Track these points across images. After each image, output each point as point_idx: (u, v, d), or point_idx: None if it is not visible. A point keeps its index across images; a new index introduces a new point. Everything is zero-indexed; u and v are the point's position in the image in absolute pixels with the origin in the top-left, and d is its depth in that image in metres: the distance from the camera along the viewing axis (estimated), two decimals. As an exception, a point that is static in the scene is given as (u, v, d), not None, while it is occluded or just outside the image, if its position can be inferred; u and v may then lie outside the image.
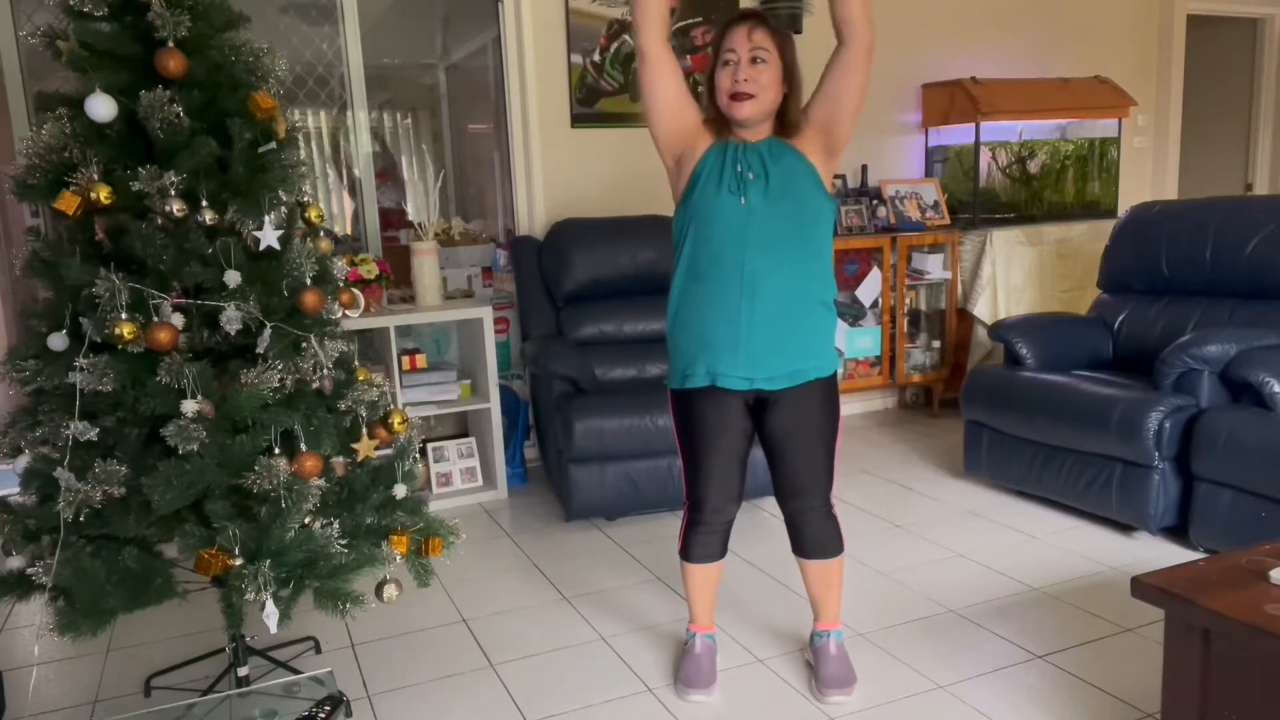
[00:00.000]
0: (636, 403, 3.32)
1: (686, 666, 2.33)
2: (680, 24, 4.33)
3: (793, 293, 2.05)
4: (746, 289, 2.02)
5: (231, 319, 1.87)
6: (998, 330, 3.74)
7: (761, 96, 1.98)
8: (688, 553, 2.30)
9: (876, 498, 3.66)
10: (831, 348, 2.15)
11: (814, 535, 2.24)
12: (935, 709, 2.19)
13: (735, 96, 1.98)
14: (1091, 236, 4.85)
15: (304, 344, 1.95)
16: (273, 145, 2.00)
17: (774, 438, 2.17)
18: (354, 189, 4.13)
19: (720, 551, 2.30)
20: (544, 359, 3.54)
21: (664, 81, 2.02)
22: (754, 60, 1.97)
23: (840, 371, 4.59)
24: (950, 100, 4.79)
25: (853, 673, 2.27)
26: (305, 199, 2.12)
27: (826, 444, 2.17)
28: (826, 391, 2.14)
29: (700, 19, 4.36)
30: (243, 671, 2.22)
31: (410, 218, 3.89)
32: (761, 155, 2.04)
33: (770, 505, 3.59)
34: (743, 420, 2.16)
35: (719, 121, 2.08)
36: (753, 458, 2.29)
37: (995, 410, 3.52)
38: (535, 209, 4.21)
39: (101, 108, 1.81)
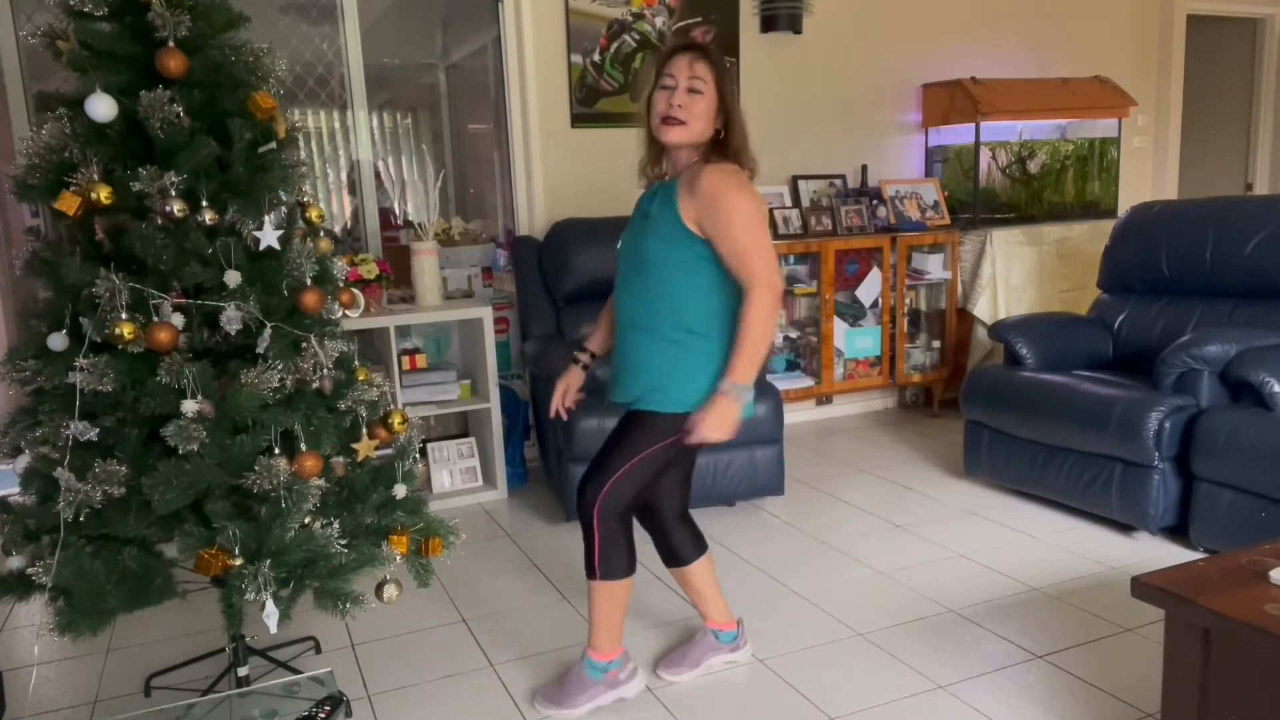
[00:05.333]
0: (636, 403, 3.32)
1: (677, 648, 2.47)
2: (680, 23, 4.33)
3: (635, 326, 2.12)
4: (620, 320, 2.18)
5: (231, 319, 1.87)
6: (998, 330, 3.74)
7: (692, 125, 2.01)
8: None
9: (876, 498, 3.66)
10: (677, 384, 2.07)
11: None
12: (935, 709, 2.19)
13: (666, 120, 2.01)
14: (1091, 236, 4.85)
15: (304, 344, 1.95)
16: (273, 145, 2.00)
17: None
18: (353, 189, 4.14)
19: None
20: (544, 359, 3.54)
21: None
22: (690, 90, 2.00)
23: (841, 374, 4.64)
24: (950, 100, 4.79)
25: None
26: (305, 199, 2.12)
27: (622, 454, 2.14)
28: (654, 424, 2.10)
29: (700, 19, 4.36)
30: (243, 671, 2.22)
31: (410, 218, 3.89)
32: (658, 195, 2.09)
33: (771, 505, 3.59)
34: None
35: (655, 150, 2.12)
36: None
37: (995, 410, 3.52)
38: (535, 209, 4.21)
39: (101, 108, 1.81)
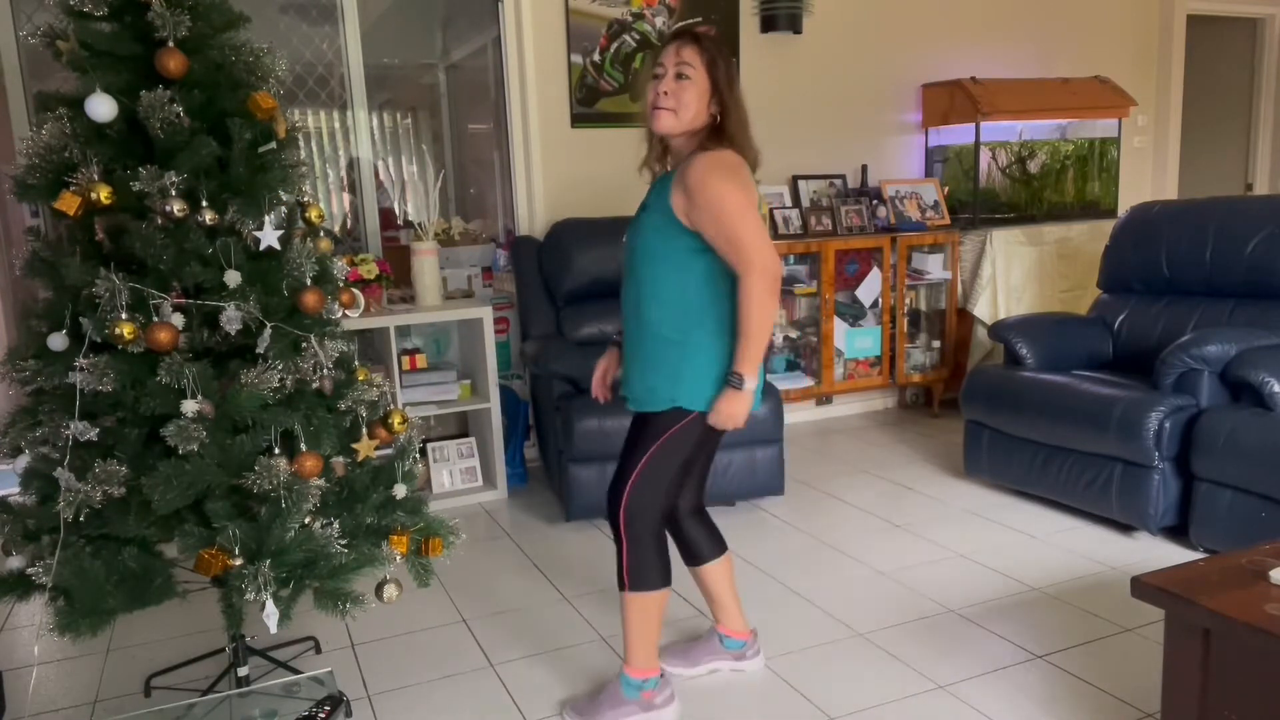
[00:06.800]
0: (636, 403, 3.32)
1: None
2: (680, 23, 4.33)
3: (636, 321, 2.08)
4: (624, 315, 2.14)
5: (231, 319, 1.87)
6: (998, 330, 3.74)
7: (681, 113, 1.96)
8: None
9: (876, 498, 3.66)
10: (674, 384, 2.03)
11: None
12: (935, 709, 2.19)
13: (655, 109, 1.98)
14: (1091, 236, 4.85)
15: (304, 344, 1.95)
16: (273, 145, 2.00)
17: None
18: (353, 189, 4.14)
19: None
20: (544, 359, 3.54)
21: None
22: (678, 75, 1.96)
23: (845, 369, 4.64)
24: (950, 100, 4.79)
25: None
26: (305, 199, 2.12)
27: (634, 457, 2.12)
28: (655, 423, 2.07)
29: (700, 19, 4.36)
30: (243, 671, 2.22)
31: (410, 218, 3.88)
32: (655, 187, 2.07)
33: (771, 505, 3.59)
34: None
35: (659, 147, 2.09)
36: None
37: (995, 410, 3.52)
38: (535, 209, 4.21)
39: (101, 108, 1.81)
